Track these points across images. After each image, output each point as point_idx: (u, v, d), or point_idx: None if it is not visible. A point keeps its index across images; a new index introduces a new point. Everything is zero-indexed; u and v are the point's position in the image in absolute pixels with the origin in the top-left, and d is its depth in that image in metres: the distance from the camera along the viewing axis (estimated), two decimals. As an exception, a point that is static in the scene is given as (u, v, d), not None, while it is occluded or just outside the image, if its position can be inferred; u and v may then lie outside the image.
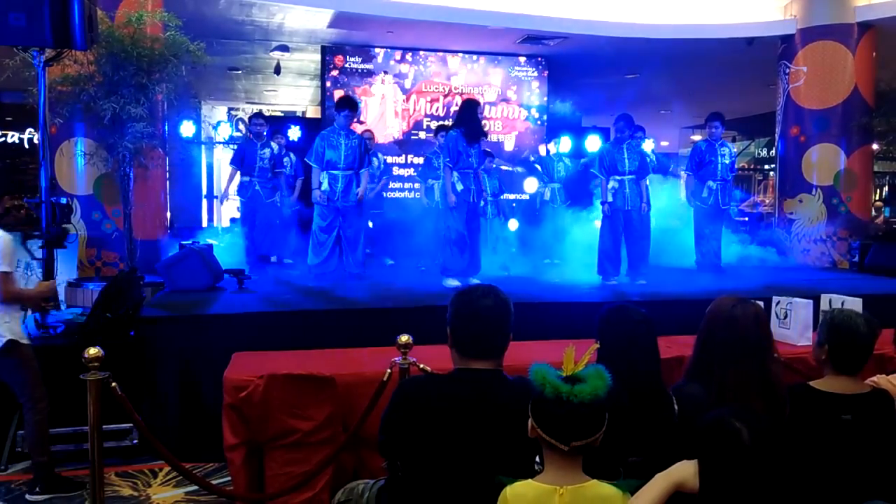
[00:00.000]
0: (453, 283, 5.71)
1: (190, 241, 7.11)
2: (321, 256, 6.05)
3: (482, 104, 5.80)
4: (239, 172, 7.13)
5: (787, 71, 8.74)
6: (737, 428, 1.72)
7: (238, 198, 7.38)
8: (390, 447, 2.13)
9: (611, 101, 13.13)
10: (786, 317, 3.94)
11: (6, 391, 4.00)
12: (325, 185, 5.96)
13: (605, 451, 1.77)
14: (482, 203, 6.21)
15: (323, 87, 10.14)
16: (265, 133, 7.32)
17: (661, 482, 1.76)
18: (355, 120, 6.12)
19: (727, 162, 7.02)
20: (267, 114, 14.29)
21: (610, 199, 6.27)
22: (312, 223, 6.11)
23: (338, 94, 9.22)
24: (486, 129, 5.86)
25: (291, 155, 8.16)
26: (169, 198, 7.03)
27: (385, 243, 8.03)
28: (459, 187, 5.75)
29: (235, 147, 7.92)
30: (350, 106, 6.12)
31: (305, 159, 6.26)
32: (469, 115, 5.80)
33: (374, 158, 7.94)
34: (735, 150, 7.69)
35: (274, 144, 7.35)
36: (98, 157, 5.60)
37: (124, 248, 5.73)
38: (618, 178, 6.28)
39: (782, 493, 1.79)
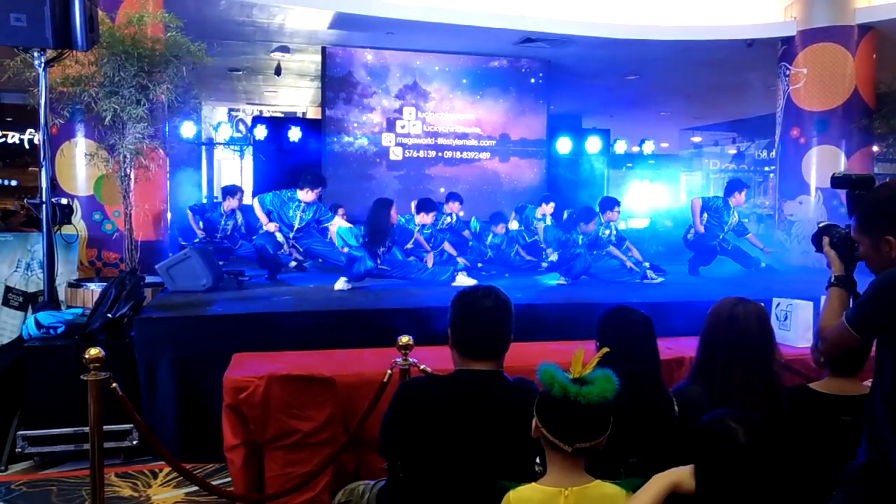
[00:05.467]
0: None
1: (190, 243, 7.13)
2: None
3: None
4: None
5: (787, 73, 8.75)
6: (732, 428, 1.72)
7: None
8: (391, 448, 2.14)
9: (611, 102, 13.16)
10: (786, 318, 3.95)
11: (6, 391, 4.02)
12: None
13: (605, 451, 1.78)
14: None
15: (323, 88, 10.15)
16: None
17: (657, 483, 1.77)
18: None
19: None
20: (267, 115, 14.35)
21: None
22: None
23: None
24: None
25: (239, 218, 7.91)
26: (169, 198, 7.02)
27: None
28: None
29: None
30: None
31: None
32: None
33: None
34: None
35: (239, 215, 7.62)
36: (99, 157, 5.58)
37: (125, 249, 5.72)
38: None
39: (780, 494, 1.79)
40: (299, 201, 6.47)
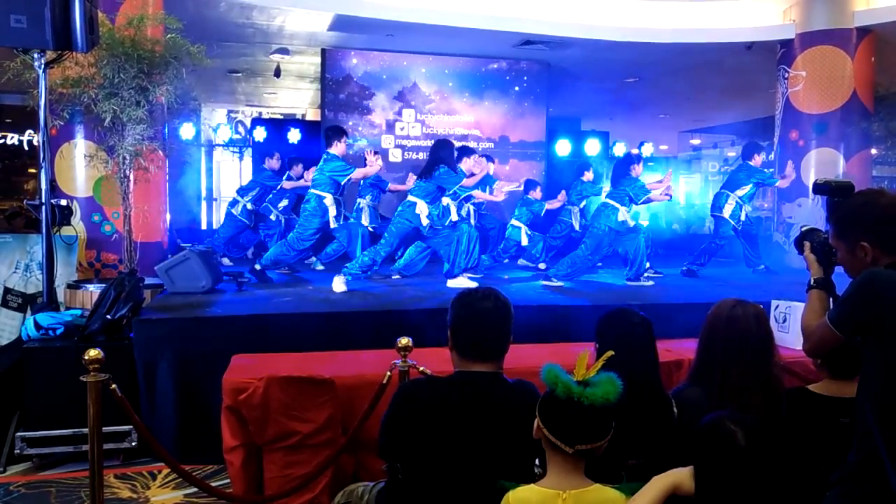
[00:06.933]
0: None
1: (189, 244, 7.13)
2: None
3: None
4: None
5: (786, 75, 8.76)
6: (732, 430, 1.73)
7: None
8: (390, 450, 2.14)
9: (610, 104, 13.17)
10: (785, 320, 3.95)
11: (5, 392, 4.02)
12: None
13: (605, 453, 1.78)
14: None
15: (323, 90, 10.15)
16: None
17: (657, 485, 1.77)
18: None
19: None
20: (266, 116, 14.34)
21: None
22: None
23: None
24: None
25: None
26: (169, 200, 7.02)
27: None
28: None
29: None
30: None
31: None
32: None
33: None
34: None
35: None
36: (98, 159, 5.58)
37: (124, 250, 5.72)
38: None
39: (778, 495, 1.79)
40: (336, 156, 6.38)
